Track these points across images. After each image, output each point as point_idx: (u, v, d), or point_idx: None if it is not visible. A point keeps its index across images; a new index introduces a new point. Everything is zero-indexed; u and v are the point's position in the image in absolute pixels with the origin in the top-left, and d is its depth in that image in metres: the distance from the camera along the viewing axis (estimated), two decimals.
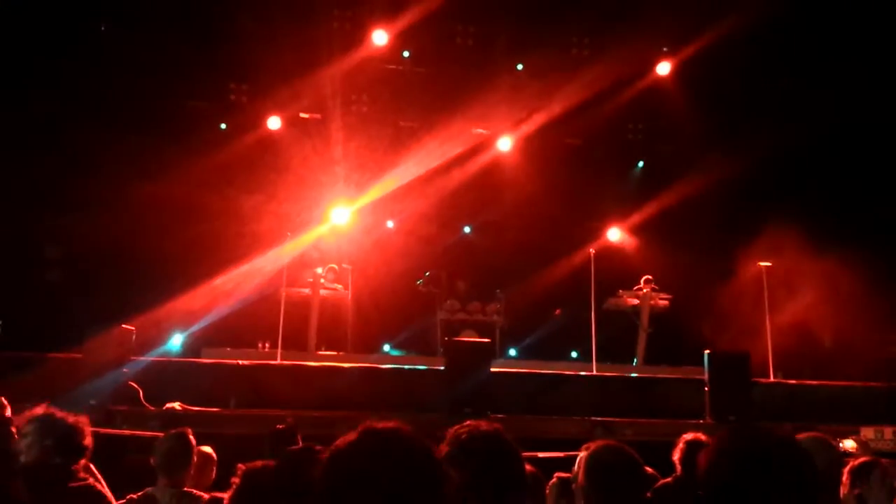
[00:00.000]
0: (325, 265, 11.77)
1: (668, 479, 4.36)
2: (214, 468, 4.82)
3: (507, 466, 2.16)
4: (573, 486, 3.44)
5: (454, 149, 13.85)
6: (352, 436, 1.50)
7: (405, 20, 13.49)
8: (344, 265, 12.14)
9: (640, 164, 15.60)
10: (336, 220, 13.03)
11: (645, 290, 11.88)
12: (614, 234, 14.15)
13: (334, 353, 11.34)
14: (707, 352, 9.21)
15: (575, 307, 12.03)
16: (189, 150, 12.20)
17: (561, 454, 5.62)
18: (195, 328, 11.35)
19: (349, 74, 14.00)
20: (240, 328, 11.33)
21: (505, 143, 14.48)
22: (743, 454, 1.77)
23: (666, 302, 11.99)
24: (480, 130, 14.50)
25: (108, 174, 11.54)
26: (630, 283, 12.11)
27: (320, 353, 11.12)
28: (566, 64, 14.24)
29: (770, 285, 10.92)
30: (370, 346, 12.81)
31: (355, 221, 13.41)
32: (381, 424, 1.52)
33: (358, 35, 13.96)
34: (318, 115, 14.35)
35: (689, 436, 4.43)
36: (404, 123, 14.71)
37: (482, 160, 14.24)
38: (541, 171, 14.11)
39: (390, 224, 14.57)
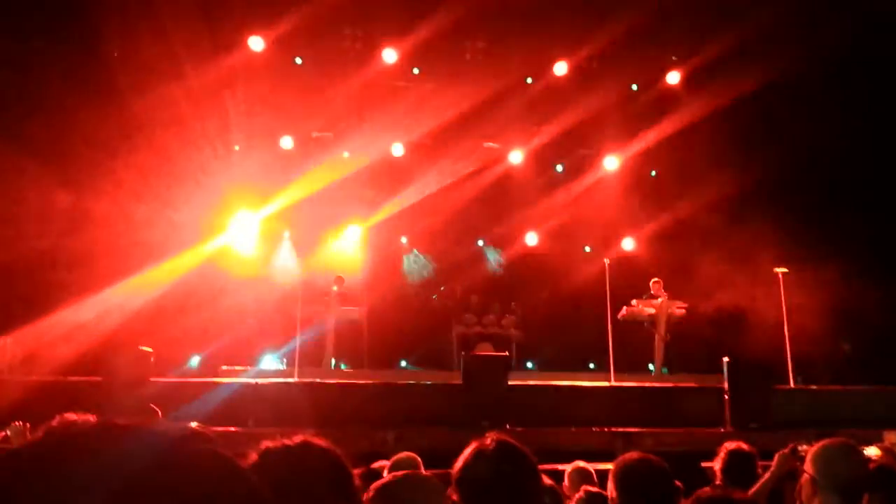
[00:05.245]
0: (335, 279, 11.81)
1: (707, 489, 4.27)
2: None
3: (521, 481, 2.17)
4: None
5: (467, 165, 13.91)
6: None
7: (414, 38, 13.56)
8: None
9: (653, 173, 15.53)
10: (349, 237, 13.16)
11: (661, 299, 11.80)
12: (628, 244, 14.09)
13: (351, 369, 11.34)
14: (726, 359, 9.14)
15: (591, 318, 11.96)
16: None
17: None
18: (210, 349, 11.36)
19: (360, 91, 14.07)
20: (255, 346, 11.35)
21: (516, 157, 14.51)
22: None
23: (683, 311, 11.91)
24: (491, 144, 14.52)
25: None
26: (645, 292, 12.05)
27: (337, 369, 11.13)
28: (575, 75, 14.27)
29: (787, 291, 10.83)
30: (386, 363, 12.80)
31: (368, 238, 13.46)
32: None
33: (369, 53, 14.05)
34: (329, 133, 14.41)
35: (731, 445, 4.34)
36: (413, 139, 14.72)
37: (494, 173, 14.26)
38: (553, 180, 14.06)
39: (404, 240, 14.59)
